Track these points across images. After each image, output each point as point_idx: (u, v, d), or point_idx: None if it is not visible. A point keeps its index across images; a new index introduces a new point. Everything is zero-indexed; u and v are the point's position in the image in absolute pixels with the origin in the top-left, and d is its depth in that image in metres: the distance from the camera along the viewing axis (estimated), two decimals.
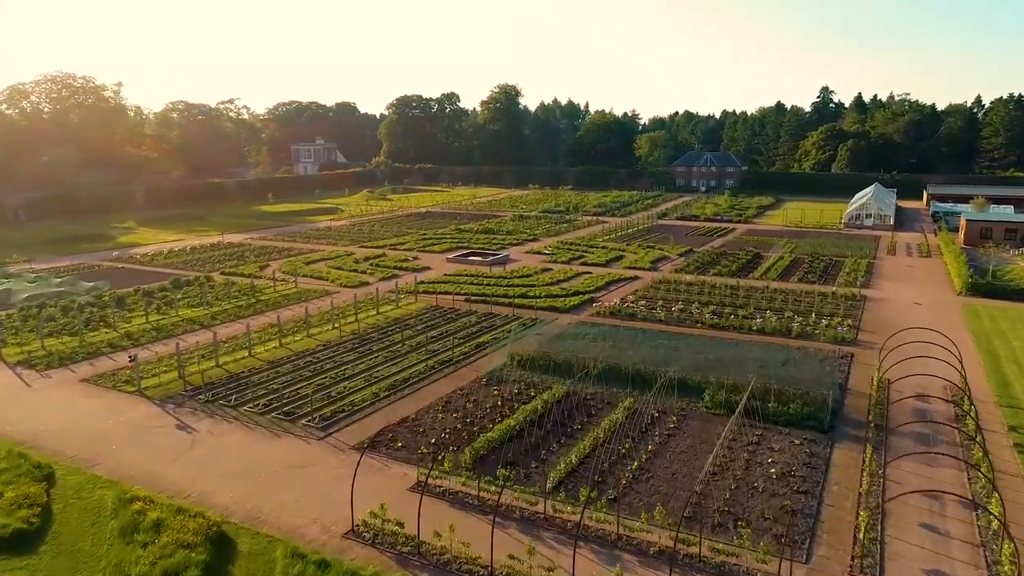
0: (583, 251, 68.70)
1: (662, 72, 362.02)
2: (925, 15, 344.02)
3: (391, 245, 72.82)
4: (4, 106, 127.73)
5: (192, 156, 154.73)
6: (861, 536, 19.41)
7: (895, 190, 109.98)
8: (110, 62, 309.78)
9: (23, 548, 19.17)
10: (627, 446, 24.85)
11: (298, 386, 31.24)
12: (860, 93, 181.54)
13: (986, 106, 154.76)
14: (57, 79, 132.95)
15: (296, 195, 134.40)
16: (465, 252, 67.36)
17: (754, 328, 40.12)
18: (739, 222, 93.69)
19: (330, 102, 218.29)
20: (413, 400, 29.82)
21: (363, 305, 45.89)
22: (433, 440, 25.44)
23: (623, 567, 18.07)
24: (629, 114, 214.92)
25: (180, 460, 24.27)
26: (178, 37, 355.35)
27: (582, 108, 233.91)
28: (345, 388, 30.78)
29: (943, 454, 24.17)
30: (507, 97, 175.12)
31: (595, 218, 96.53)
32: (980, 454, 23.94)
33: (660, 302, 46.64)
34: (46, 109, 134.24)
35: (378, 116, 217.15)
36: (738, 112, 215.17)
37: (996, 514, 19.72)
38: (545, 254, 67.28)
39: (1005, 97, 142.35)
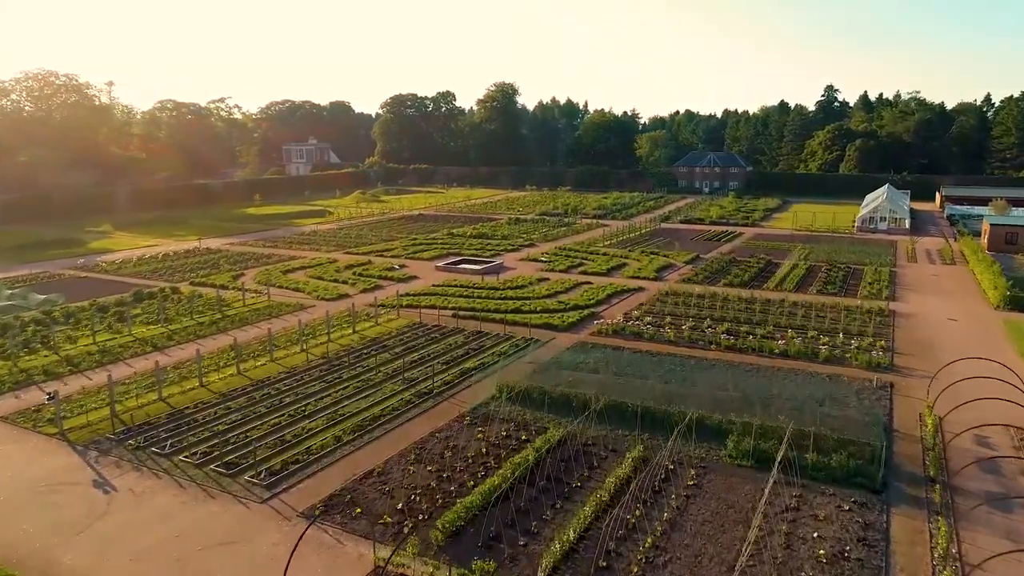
0: (582, 258, 64.14)
1: (662, 71, 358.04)
2: (926, 14, 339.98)
3: (378, 251, 68.23)
4: None
5: (181, 156, 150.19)
6: None
7: (908, 192, 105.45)
8: (101, 61, 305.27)
9: None
10: (638, 513, 20.26)
11: (249, 427, 26.63)
12: (866, 92, 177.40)
13: (996, 105, 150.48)
14: (39, 76, 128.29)
15: (285, 197, 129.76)
16: (456, 259, 62.76)
17: (776, 351, 35.51)
18: (746, 225, 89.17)
19: (324, 101, 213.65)
20: (382, 445, 25.22)
21: (337, 323, 41.29)
22: (400, 505, 20.84)
23: None
24: (629, 113, 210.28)
25: (86, 534, 19.67)
26: (170, 35, 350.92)
27: (581, 107, 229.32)
28: (303, 429, 26.16)
29: None
30: (504, 95, 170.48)
31: (595, 221, 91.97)
32: None
33: (668, 318, 42.06)
34: (27, 108, 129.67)
35: (374, 115, 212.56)
36: (740, 111, 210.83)
37: None
38: (542, 261, 62.72)
39: (1017, 95, 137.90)
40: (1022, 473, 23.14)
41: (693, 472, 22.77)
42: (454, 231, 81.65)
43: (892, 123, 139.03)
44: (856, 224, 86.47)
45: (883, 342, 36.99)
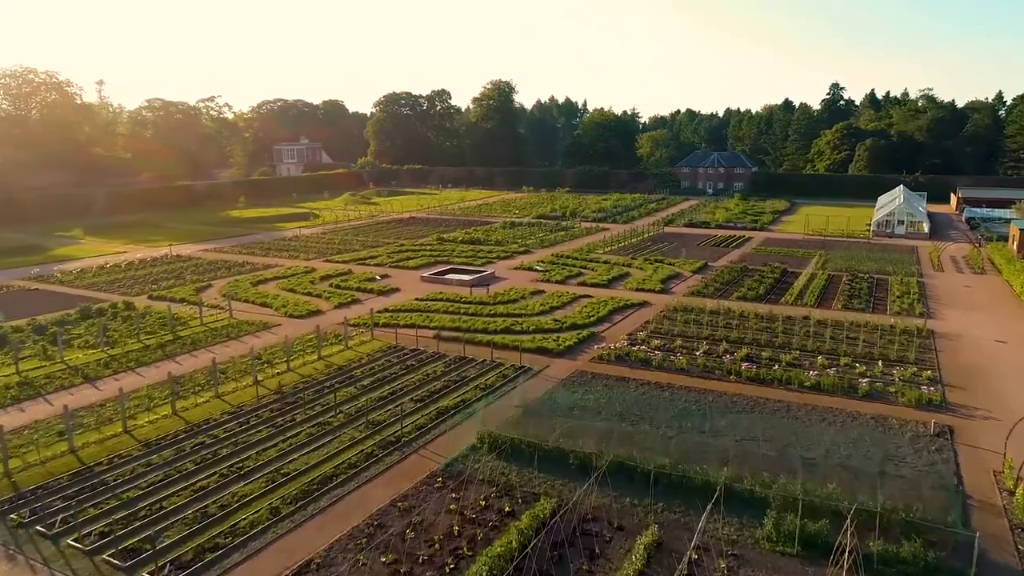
0: (581, 267, 59.08)
1: (662, 69, 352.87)
2: (931, 10, 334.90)
3: (360, 259, 63.12)
4: None
5: (168, 157, 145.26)
6: None
7: (925, 194, 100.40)
8: (89, 59, 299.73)
9: None
10: None
11: (168, 492, 21.54)
12: (873, 90, 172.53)
13: (1007, 103, 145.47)
14: (16, 74, 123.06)
15: (273, 199, 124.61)
16: (443, 269, 57.68)
17: (807, 384, 30.41)
18: (754, 229, 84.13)
19: (318, 100, 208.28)
20: (330, 520, 20.13)
21: (300, 347, 36.18)
22: None
23: None
24: (629, 112, 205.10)
25: None
26: (160, 32, 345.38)
27: (580, 106, 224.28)
28: (234, 497, 21.07)
29: None
30: (500, 94, 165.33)
31: (594, 224, 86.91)
32: None
33: (678, 340, 36.96)
34: (3, 106, 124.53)
35: (369, 115, 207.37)
36: (743, 110, 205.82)
37: None
38: (537, 270, 57.65)
39: None
40: None
41: (724, 565, 17.66)
42: (444, 236, 76.61)
43: (903, 122, 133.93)
44: (871, 228, 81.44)
45: (930, 372, 31.89)
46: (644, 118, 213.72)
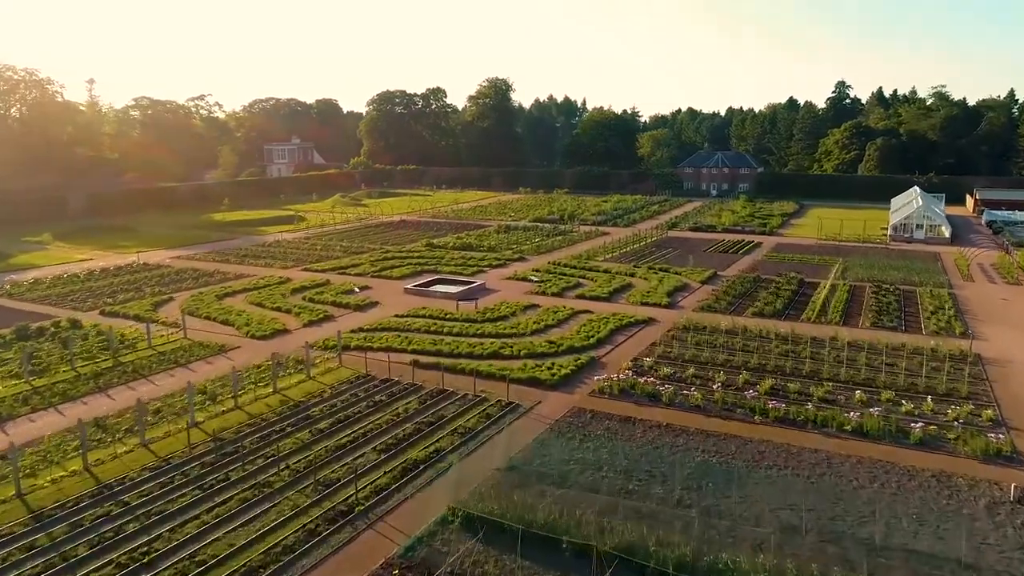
0: (580, 277, 54.27)
1: (663, 67, 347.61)
2: (933, 7, 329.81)
3: (341, 268, 58.25)
4: None
5: (156, 157, 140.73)
6: None
7: (943, 195, 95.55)
8: (76, 57, 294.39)
9: None
10: None
11: None
12: (881, 88, 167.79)
13: (1021, 101, 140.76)
14: None
15: (259, 201, 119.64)
16: (429, 280, 52.86)
17: (848, 427, 25.60)
18: (763, 234, 79.34)
19: (311, 99, 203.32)
20: None
21: (253, 378, 31.34)
22: None
23: None
24: (629, 111, 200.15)
25: None
26: (149, 30, 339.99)
27: (579, 105, 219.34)
28: None
29: None
30: (497, 92, 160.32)
31: (594, 228, 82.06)
32: None
33: (691, 369, 32.12)
34: None
35: (364, 114, 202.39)
36: (745, 109, 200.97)
37: None
38: (532, 281, 52.85)
39: None
40: None
41: None
42: (434, 241, 71.80)
43: (915, 120, 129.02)
44: (889, 233, 76.71)
45: (990, 411, 27.06)
46: (644, 117, 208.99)
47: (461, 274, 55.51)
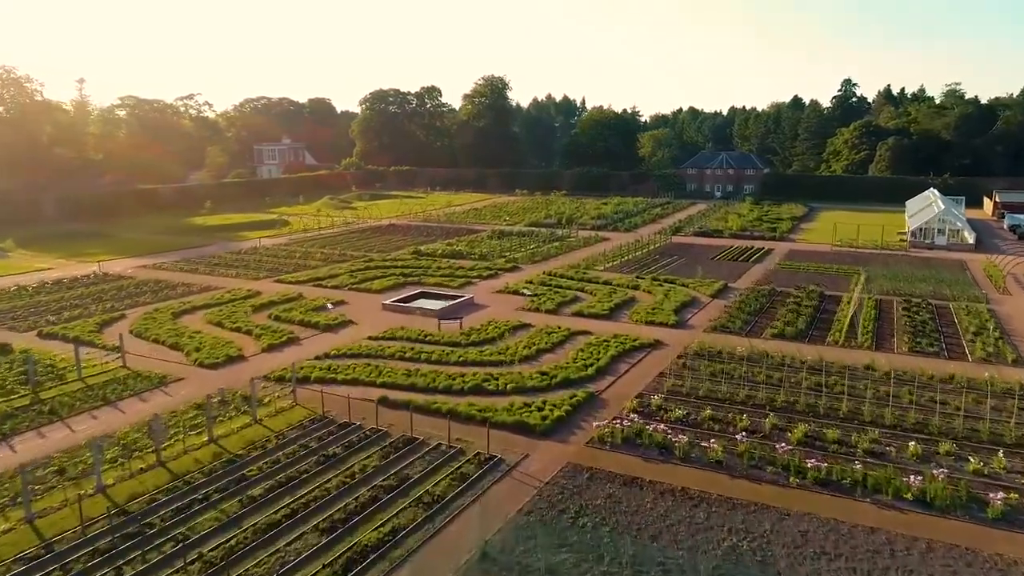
0: (578, 289, 49.37)
1: (663, 66, 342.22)
2: (940, 3, 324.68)
3: (317, 279, 53.31)
4: None
5: (141, 158, 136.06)
6: None
7: (963, 198, 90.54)
8: (69, 57, 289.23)
9: None
10: None
11: None
12: (889, 86, 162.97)
13: None
14: None
15: (246, 203, 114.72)
16: (411, 294, 47.93)
17: (907, 495, 20.68)
18: (774, 239, 74.46)
19: (304, 98, 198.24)
20: None
21: (183, 422, 26.35)
22: None
23: None
24: (629, 111, 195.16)
25: None
26: (143, 29, 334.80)
27: (578, 104, 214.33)
28: None
29: None
30: (493, 90, 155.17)
31: (593, 234, 77.15)
32: None
33: (707, 410, 27.14)
34: None
35: (359, 113, 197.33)
36: (748, 108, 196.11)
37: None
38: (525, 294, 47.94)
39: None
40: None
41: None
42: (422, 248, 66.86)
43: (928, 119, 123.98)
44: (908, 238, 71.81)
45: None
46: (645, 117, 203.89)
47: (447, 287, 50.59)
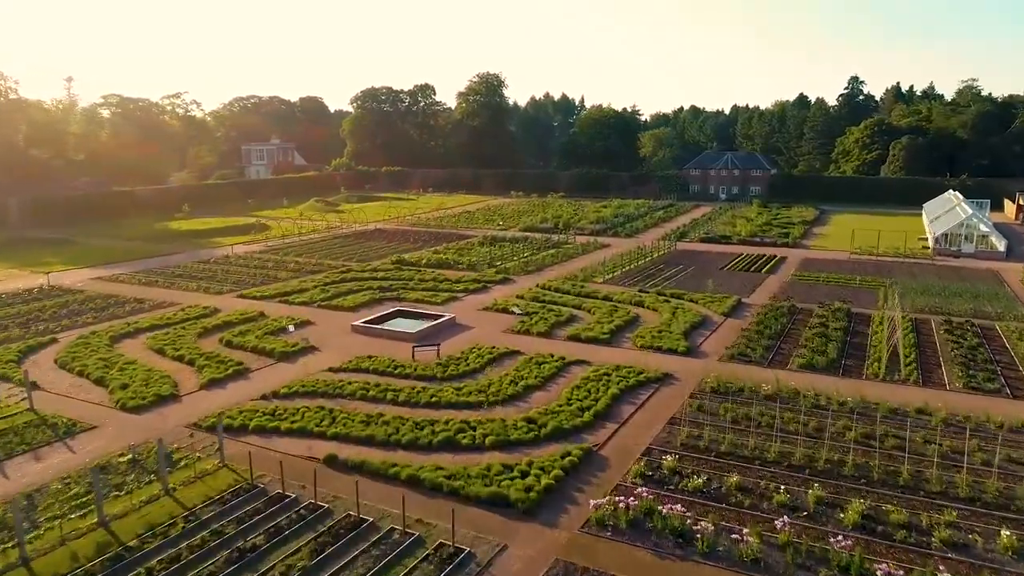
0: (574, 306, 43.97)
1: (664, 64, 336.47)
2: (934, 5, 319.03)
3: (284, 294, 47.87)
4: None
5: (124, 159, 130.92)
6: None
7: (987, 201, 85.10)
8: (61, 57, 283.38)
9: None
10: None
11: None
12: (898, 83, 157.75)
13: None
14: None
15: (228, 205, 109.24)
16: (386, 312, 42.49)
17: None
18: (786, 246, 69.14)
19: (295, 97, 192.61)
20: None
21: (74, 493, 20.92)
22: None
23: None
24: (629, 109, 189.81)
25: None
26: (131, 27, 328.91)
27: (577, 103, 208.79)
28: None
29: None
30: (488, 88, 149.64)
31: (592, 239, 71.74)
32: None
33: (734, 475, 21.70)
34: None
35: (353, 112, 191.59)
36: (751, 106, 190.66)
37: None
38: (515, 313, 42.55)
39: None
40: None
41: None
42: (406, 257, 61.44)
43: (943, 117, 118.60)
44: (932, 245, 66.44)
45: None
46: (645, 115, 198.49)
47: (428, 304, 45.18)
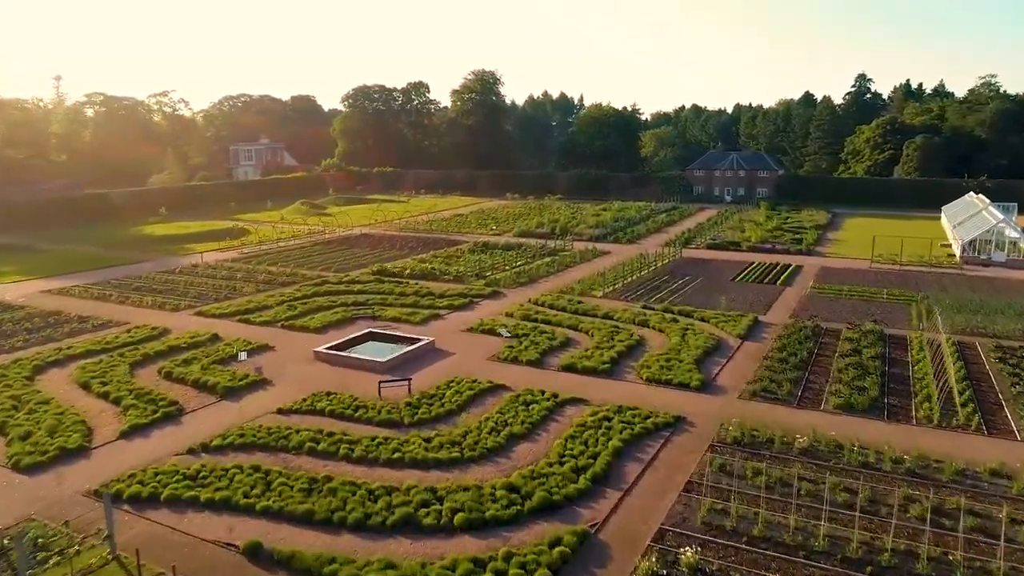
0: (571, 326, 38.81)
1: (664, 62, 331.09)
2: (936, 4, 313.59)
3: (244, 312, 42.68)
4: None
5: (109, 159, 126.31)
6: None
7: (1014, 204, 79.86)
8: (50, 55, 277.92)
9: None
10: None
11: None
12: (908, 80, 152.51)
13: None
14: None
15: (210, 208, 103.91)
16: (356, 335, 37.29)
17: None
18: (800, 253, 63.97)
19: (286, 95, 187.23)
20: None
21: None
22: None
23: None
24: (629, 108, 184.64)
25: None
26: (119, 25, 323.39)
27: (576, 102, 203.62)
28: None
29: None
30: (484, 85, 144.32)
31: (591, 246, 66.52)
32: None
33: (773, 573, 16.63)
34: None
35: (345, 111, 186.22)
36: (754, 105, 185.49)
37: None
38: (503, 335, 37.40)
39: None
40: None
41: None
42: (389, 266, 56.23)
43: (958, 116, 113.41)
44: (959, 253, 61.30)
45: None
46: (646, 114, 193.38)
47: (406, 323, 40.02)
